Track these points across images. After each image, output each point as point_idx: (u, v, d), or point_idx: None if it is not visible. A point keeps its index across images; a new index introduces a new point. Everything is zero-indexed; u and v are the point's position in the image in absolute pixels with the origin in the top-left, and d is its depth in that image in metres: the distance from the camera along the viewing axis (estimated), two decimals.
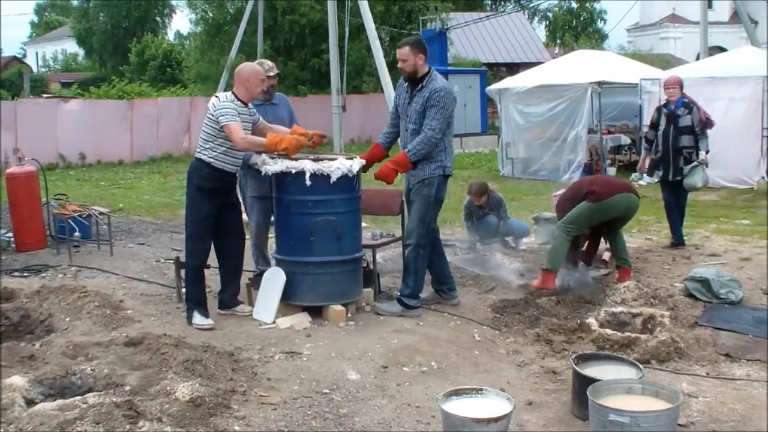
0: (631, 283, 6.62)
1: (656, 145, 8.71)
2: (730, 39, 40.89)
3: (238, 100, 5.97)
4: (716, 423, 4.21)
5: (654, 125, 8.81)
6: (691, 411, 4.33)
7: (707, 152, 8.51)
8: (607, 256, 7.61)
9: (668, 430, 3.73)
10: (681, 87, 8.72)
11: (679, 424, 4.06)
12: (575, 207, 6.94)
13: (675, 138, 8.52)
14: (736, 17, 33.53)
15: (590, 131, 15.61)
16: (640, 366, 4.41)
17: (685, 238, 8.88)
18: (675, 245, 8.62)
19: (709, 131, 8.65)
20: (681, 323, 5.82)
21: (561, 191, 7.99)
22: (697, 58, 21.29)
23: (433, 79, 6.11)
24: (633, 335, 5.40)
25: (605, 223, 7.16)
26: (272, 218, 6.64)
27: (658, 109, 8.86)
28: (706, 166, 8.55)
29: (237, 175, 6.25)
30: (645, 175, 10.10)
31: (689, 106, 8.57)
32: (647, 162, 8.94)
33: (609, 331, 5.48)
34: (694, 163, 8.40)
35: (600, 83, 15.16)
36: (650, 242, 8.93)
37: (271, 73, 6.74)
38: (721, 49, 28.93)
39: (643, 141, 9.45)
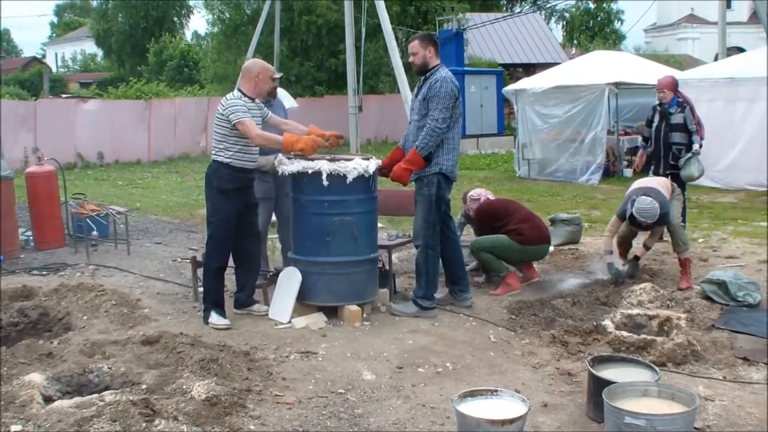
0: (648, 285, 6.59)
1: (650, 141, 9.03)
2: (749, 39, 40.55)
3: (246, 96, 5.99)
4: (733, 427, 4.19)
5: (649, 122, 9.10)
6: (707, 414, 4.31)
7: (701, 146, 8.71)
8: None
9: None
10: (673, 88, 8.90)
11: (696, 428, 4.04)
12: (494, 236, 6.98)
13: (666, 134, 8.80)
14: (755, 17, 33.25)
15: (607, 132, 15.54)
16: (656, 369, 4.40)
17: (701, 240, 8.92)
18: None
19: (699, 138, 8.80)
20: (698, 326, 5.79)
21: (477, 191, 7.81)
22: (716, 59, 21.15)
23: (437, 71, 6.11)
24: (649, 338, 5.37)
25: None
26: (272, 219, 6.95)
27: (654, 108, 9.11)
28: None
29: (254, 172, 6.27)
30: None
31: (683, 105, 8.82)
32: (643, 159, 9.24)
33: (625, 333, 5.46)
34: (688, 155, 8.62)
35: (617, 84, 15.09)
36: (666, 244, 8.86)
37: (276, 76, 6.91)
38: (740, 50, 28.76)
39: (640, 138, 9.76)
